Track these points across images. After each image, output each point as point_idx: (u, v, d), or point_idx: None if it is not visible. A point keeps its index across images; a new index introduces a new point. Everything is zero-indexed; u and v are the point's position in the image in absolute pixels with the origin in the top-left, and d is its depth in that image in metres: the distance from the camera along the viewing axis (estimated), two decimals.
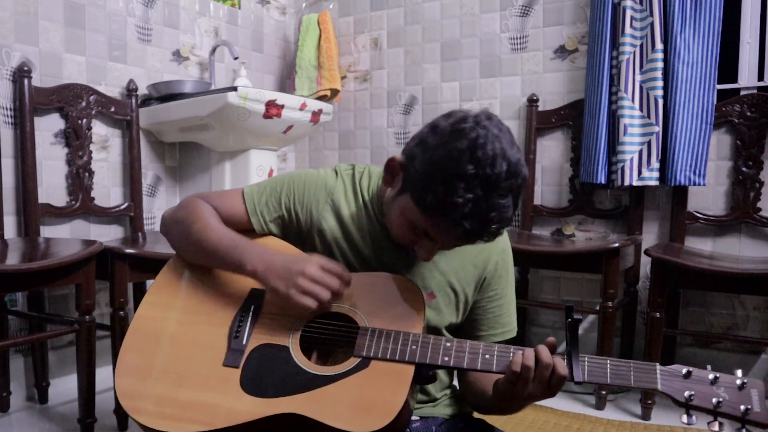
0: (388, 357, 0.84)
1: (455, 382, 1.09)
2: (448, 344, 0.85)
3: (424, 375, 0.86)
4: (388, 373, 0.83)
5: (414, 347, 0.85)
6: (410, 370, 0.83)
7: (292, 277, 0.87)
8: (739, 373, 0.78)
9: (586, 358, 0.81)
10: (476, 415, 1.05)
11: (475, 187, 0.76)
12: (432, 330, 0.98)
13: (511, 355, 0.83)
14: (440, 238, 0.84)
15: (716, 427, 0.75)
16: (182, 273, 1.02)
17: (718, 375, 0.78)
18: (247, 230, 1.03)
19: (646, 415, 1.82)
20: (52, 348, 2.01)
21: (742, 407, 0.74)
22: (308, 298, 0.86)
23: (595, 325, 2.11)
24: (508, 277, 1.04)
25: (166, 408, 0.85)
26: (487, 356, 0.83)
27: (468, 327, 1.03)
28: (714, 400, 0.76)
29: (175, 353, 0.91)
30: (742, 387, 0.76)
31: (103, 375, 1.80)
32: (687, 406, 0.77)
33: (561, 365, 0.79)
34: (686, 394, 0.76)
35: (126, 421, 1.73)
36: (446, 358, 0.84)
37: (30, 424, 1.77)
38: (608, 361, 0.80)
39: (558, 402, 1.95)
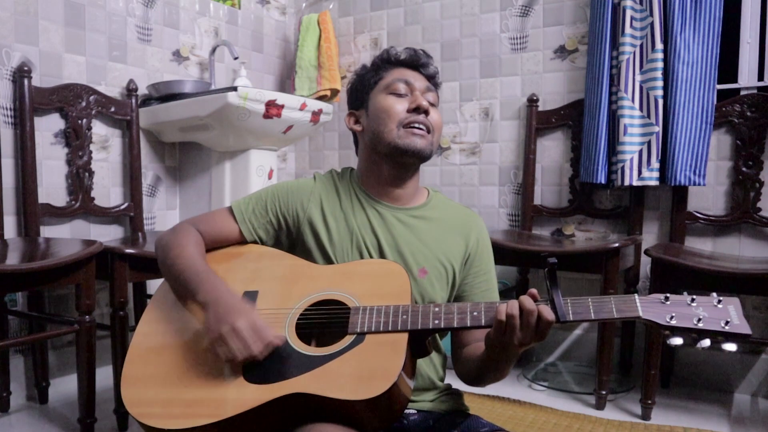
0: (381, 329, 0.88)
1: (450, 381, 1.11)
2: (437, 309, 0.89)
3: (418, 348, 0.90)
4: (384, 343, 0.87)
5: (405, 317, 0.89)
6: (404, 337, 0.87)
7: (220, 326, 0.87)
8: (714, 294, 0.83)
9: (569, 300, 0.85)
10: (472, 410, 1.07)
11: (377, 55, 1.13)
12: (425, 301, 1.03)
13: (497, 307, 0.87)
14: (410, 78, 1.06)
15: (707, 343, 0.78)
16: None
17: (694, 296, 0.82)
18: (239, 243, 1.09)
19: (646, 415, 1.82)
20: (52, 348, 2.02)
21: (722, 321, 0.78)
22: (224, 349, 0.87)
23: (595, 325, 2.11)
24: (489, 257, 1.13)
25: (174, 408, 0.87)
26: (474, 313, 0.87)
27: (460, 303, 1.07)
28: (694, 318, 0.79)
29: (177, 359, 0.93)
30: (718, 303, 0.81)
31: (103, 375, 1.80)
32: (670, 328, 0.80)
33: (546, 310, 0.82)
34: (667, 316, 0.80)
35: (126, 421, 1.73)
36: (437, 321, 0.88)
37: (30, 424, 1.77)
38: (589, 299, 0.84)
39: (558, 402, 1.95)
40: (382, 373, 0.82)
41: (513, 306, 0.83)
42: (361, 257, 1.04)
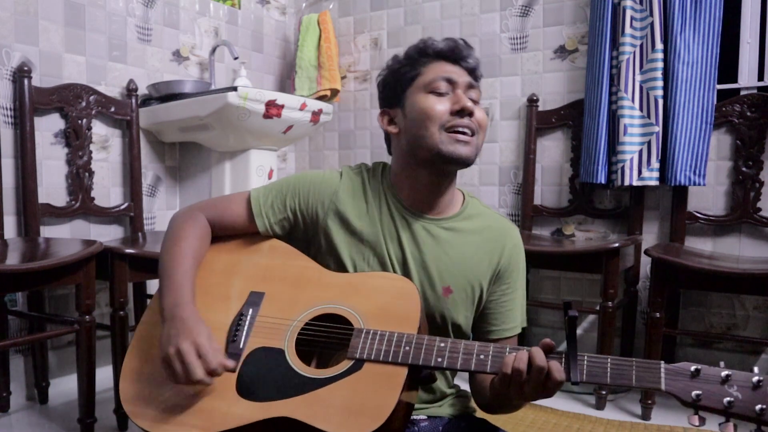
0: (381, 359, 0.83)
1: (458, 382, 1.09)
2: (442, 345, 0.84)
3: (423, 375, 0.86)
4: (381, 375, 0.82)
5: (407, 348, 0.84)
6: (403, 371, 0.82)
7: (168, 346, 0.85)
8: (755, 369, 0.72)
9: (585, 357, 0.77)
10: (479, 414, 1.05)
11: (416, 44, 1.02)
12: (446, 321, 0.99)
13: (506, 354, 0.81)
14: (452, 74, 0.97)
15: (731, 429, 0.69)
16: None
17: (730, 373, 0.71)
18: (253, 234, 1.05)
19: (646, 415, 1.82)
20: (52, 348, 2.01)
21: (758, 407, 0.68)
22: (168, 371, 0.85)
23: (595, 325, 2.11)
24: (520, 272, 1.05)
25: (166, 413, 0.87)
26: (481, 357, 0.82)
27: (479, 321, 1.04)
28: (725, 400, 0.70)
29: None
30: (757, 385, 0.70)
31: (103, 375, 1.80)
32: (695, 407, 0.71)
33: (556, 368, 0.76)
34: (694, 394, 0.71)
35: (126, 421, 1.73)
36: (439, 359, 0.83)
37: (30, 424, 1.77)
38: (609, 360, 0.76)
39: (558, 402, 1.95)
40: (373, 409, 0.79)
41: (521, 359, 0.77)
42: (383, 267, 0.98)
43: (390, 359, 0.83)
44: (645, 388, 0.75)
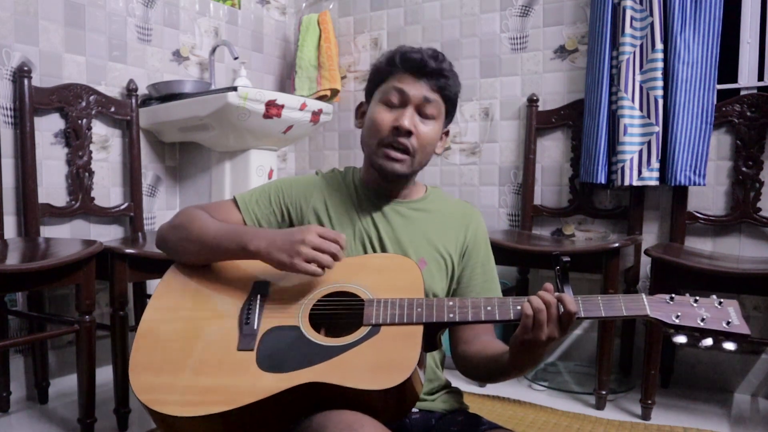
0: (396, 321, 0.88)
1: (450, 378, 1.11)
2: (451, 303, 0.90)
3: (429, 342, 0.90)
4: (399, 335, 0.87)
5: (419, 309, 0.89)
6: (419, 329, 0.87)
7: (294, 247, 0.91)
8: (714, 296, 0.86)
9: (579, 298, 0.85)
10: (471, 410, 1.07)
11: (395, 48, 1.06)
12: (427, 293, 1.03)
13: (510, 303, 0.87)
14: (406, 87, 1.00)
15: (709, 342, 0.82)
16: (184, 277, 1.03)
17: (697, 298, 0.86)
18: None
19: (646, 415, 1.82)
20: (52, 348, 2.02)
21: (723, 321, 0.82)
22: (311, 266, 0.91)
23: (595, 325, 2.11)
24: (487, 248, 1.13)
25: (188, 395, 0.85)
26: (488, 308, 0.88)
27: (461, 295, 1.09)
28: (698, 318, 0.83)
29: (188, 346, 0.91)
30: (720, 305, 0.85)
31: (103, 375, 1.80)
32: (676, 327, 0.83)
33: (569, 299, 0.81)
34: (674, 316, 0.83)
35: (126, 421, 1.73)
36: (451, 315, 0.89)
37: (30, 424, 1.77)
38: (599, 297, 0.86)
39: (558, 402, 1.95)
40: (400, 364, 0.82)
41: (537, 301, 0.82)
42: (364, 249, 1.05)
43: (405, 320, 0.89)
44: (633, 315, 0.85)
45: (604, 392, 1.90)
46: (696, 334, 0.83)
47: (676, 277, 1.76)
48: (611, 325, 1.90)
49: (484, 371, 0.99)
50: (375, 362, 0.84)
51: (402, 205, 1.09)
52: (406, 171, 1.03)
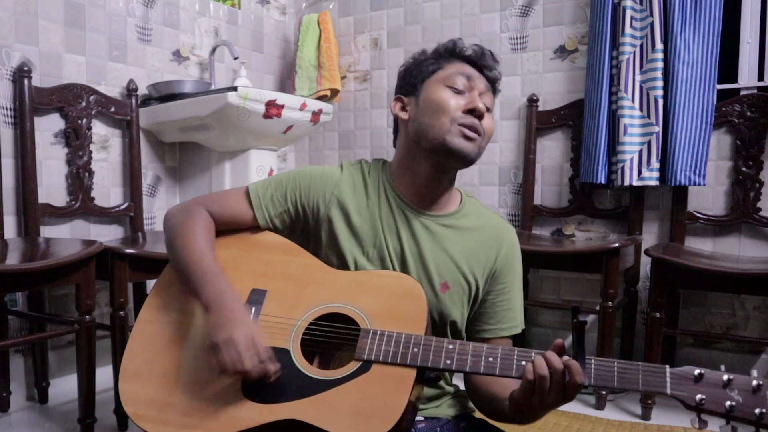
0: (389, 360, 0.83)
1: (456, 382, 1.09)
2: (450, 347, 0.84)
3: (427, 376, 0.86)
4: (390, 377, 0.82)
5: (416, 350, 0.83)
6: (412, 373, 0.82)
7: (219, 334, 0.84)
8: (754, 373, 0.74)
9: (593, 360, 0.77)
10: (477, 414, 1.04)
11: (444, 42, 1.04)
12: (444, 319, 0.98)
13: (515, 358, 0.81)
14: (472, 75, 0.98)
15: (728, 431, 0.72)
16: None
17: (731, 377, 0.73)
18: (252, 228, 1.04)
19: (646, 415, 1.82)
20: (52, 348, 2.01)
21: (757, 410, 0.70)
22: (217, 359, 0.84)
23: (595, 325, 2.11)
24: (517, 272, 1.05)
25: (169, 414, 0.85)
26: (490, 359, 0.81)
27: (476, 319, 1.04)
28: (727, 403, 0.72)
29: (177, 358, 0.91)
30: (757, 389, 0.72)
31: (103, 375, 1.80)
32: (698, 410, 0.73)
33: (576, 370, 0.75)
34: (697, 398, 0.73)
35: (126, 421, 1.73)
36: (448, 361, 0.83)
37: (30, 424, 1.77)
38: (615, 364, 0.77)
39: None
40: (384, 411, 0.79)
41: (540, 365, 0.76)
42: (382, 262, 0.98)
43: (399, 361, 0.83)
44: (651, 392, 0.75)
45: (604, 392, 1.90)
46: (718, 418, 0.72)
47: (676, 277, 1.76)
48: (611, 326, 1.90)
49: (486, 406, 0.97)
50: (358, 406, 0.80)
51: (432, 219, 1.01)
52: (476, 154, 0.96)
